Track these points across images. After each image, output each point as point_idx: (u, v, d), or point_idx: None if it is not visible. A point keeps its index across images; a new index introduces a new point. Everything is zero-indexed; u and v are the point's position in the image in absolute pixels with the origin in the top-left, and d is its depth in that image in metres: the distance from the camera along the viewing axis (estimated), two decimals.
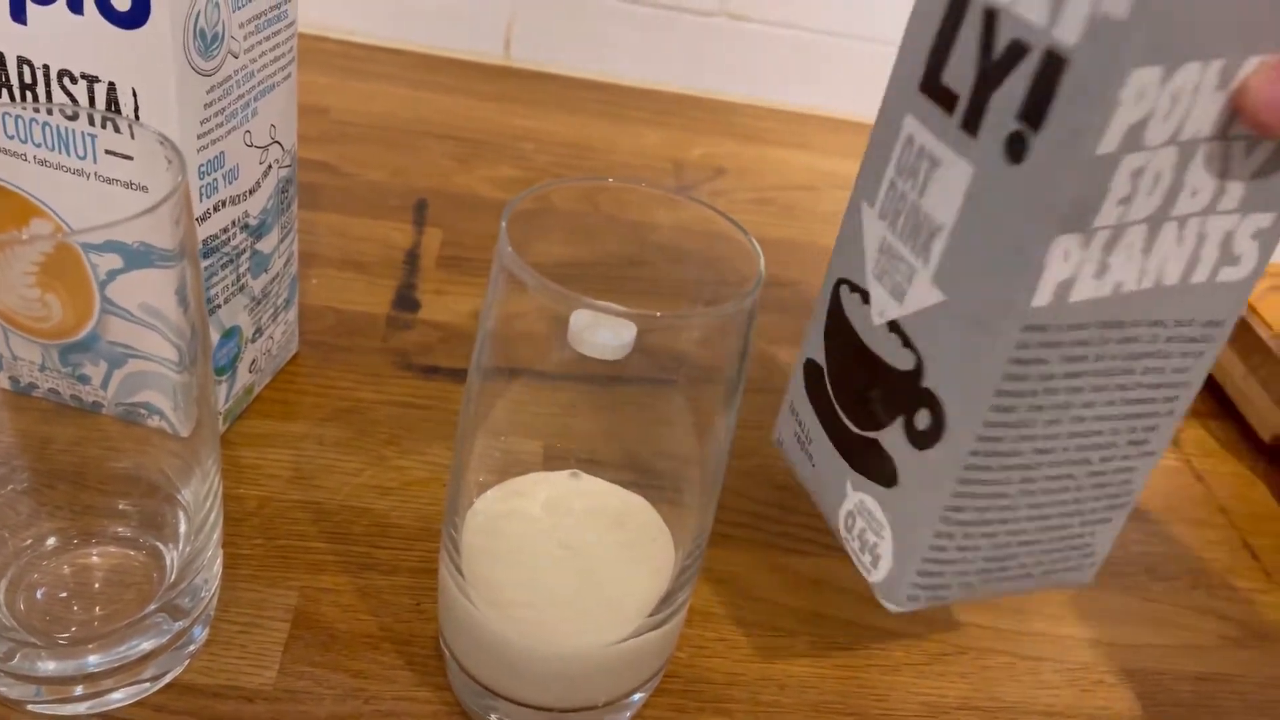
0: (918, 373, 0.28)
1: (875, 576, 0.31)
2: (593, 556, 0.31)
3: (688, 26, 0.71)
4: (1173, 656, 0.38)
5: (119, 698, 0.29)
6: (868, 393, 0.29)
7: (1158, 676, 0.37)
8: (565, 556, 0.30)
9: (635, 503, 0.31)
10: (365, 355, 0.44)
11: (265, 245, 0.37)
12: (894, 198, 0.27)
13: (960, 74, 0.25)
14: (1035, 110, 0.23)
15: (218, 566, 0.31)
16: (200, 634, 0.31)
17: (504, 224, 0.26)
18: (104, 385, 0.32)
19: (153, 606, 0.30)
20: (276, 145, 0.36)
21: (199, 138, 0.31)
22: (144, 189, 0.29)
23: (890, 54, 0.28)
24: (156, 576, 0.31)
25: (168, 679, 0.30)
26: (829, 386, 0.31)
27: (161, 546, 0.31)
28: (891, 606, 0.30)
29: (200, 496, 0.30)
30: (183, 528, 0.31)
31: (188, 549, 0.31)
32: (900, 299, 0.28)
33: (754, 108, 0.73)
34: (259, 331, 0.39)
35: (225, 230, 0.34)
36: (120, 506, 0.32)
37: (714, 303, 0.28)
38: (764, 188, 0.63)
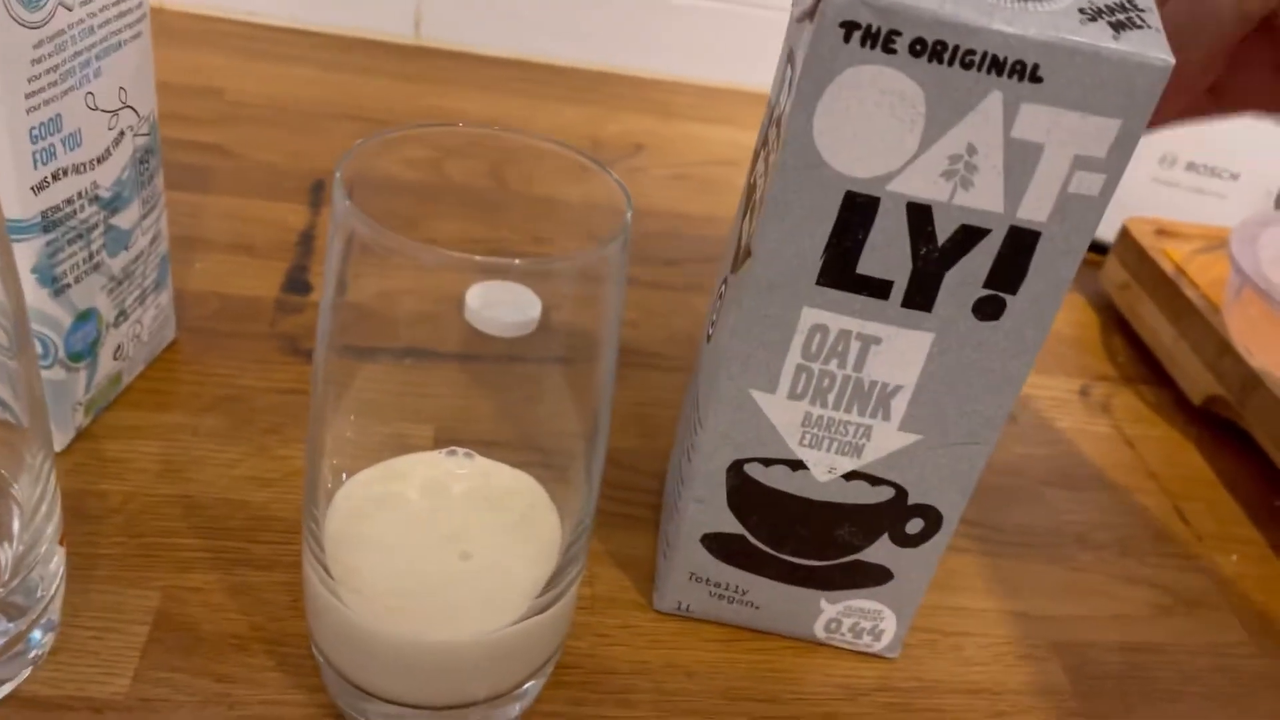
0: (900, 498, 0.30)
1: (879, 647, 0.33)
2: (471, 539, 0.28)
3: (605, 2, 0.69)
4: (1101, 627, 0.37)
5: None
6: (833, 532, 0.31)
7: (1085, 648, 0.36)
8: (440, 540, 0.28)
9: (518, 480, 0.29)
10: (249, 341, 0.41)
11: (123, 220, 0.34)
12: (809, 381, 0.28)
13: (888, 263, 0.26)
14: (1008, 276, 0.26)
15: (57, 563, 0.28)
16: (41, 639, 0.28)
17: (338, 175, 0.23)
18: None
19: None
20: (129, 110, 0.33)
21: (28, 97, 0.29)
22: None
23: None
24: None
25: (5, 690, 0.28)
26: (763, 546, 0.31)
27: None
28: (891, 655, 0.34)
29: (32, 489, 0.28)
30: (16, 523, 0.28)
31: (20, 546, 0.28)
32: (857, 454, 0.29)
33: (673, 83, 0.71)
34: (123, 315, 0.36)
35: (70, 201, 0.31)
36: None
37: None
38: (683, 164, 0.61)
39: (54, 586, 0.29)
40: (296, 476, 0.36)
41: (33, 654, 0.28)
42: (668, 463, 0.39)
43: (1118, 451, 0.45)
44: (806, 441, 0.29)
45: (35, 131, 0.29)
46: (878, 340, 0.27)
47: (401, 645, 0.26)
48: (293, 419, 0.38)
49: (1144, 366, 0.51)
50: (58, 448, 0.35)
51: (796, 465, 0.30)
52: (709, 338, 0.32)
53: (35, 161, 0.30)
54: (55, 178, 0.31)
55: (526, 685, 0.29)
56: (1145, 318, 0.51)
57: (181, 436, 0.36)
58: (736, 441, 0.30)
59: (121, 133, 0.33)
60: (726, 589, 0.33)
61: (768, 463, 0.30)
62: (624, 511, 0.37)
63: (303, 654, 0.30)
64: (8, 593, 0.27)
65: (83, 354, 0.34)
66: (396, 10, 0.68)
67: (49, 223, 0.31)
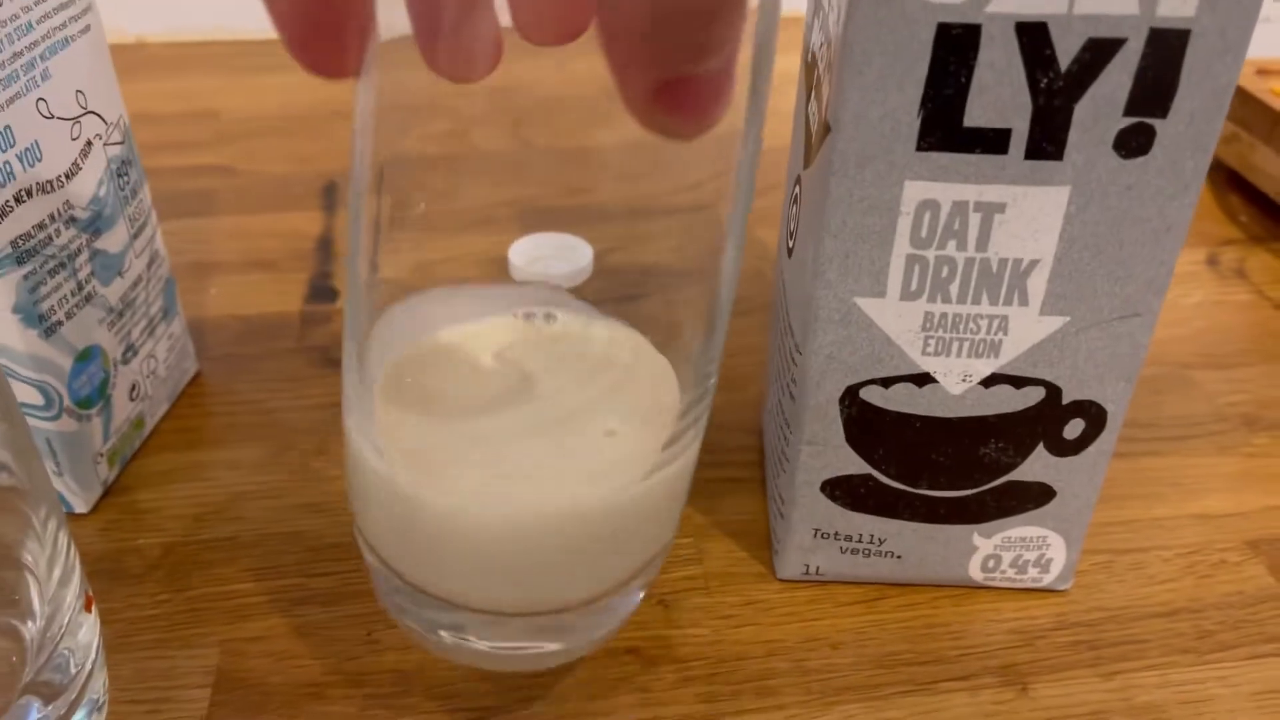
0: (1053, 398, 0.25)
1: (1048, 579, 0.29)
2: (560, 398, 0.23)
3: None
4: None
5: None
6: (977, 452, 0.26)
7: None
8: (519, 397, 0.23)
9: (616, 332, 0.24)
10: (278, 360, 0.37)
11: (110, 243, 0.30)
12: (925, 273, 0.23)
13: (1001, 107, 0.21)
14: (1154, 96, 0.21)
15: (87, 632, 0.25)
16: (94, 712, 0.24)
17: None
18: None
19: (20, 693, 0.23)
20: (93, 117, 0.29)
21: None
22: None
23: None
24: (17, 660, 0.24)
25: None
26: (895, 483, 0.27)
27: (18, 624, 0.25)
28: (1062, 587, 0.29)
29: (44, 554, 0.24)
30: (34, 595, 0.24)
31: (42, 620, 0.24)
32: (994, 353, 0.24)
33: None
34: (131, 350, 0.32)
35: (41, 226, 0.28)
36: None
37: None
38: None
39: (89, 660, 0.25)
40: None
41: None
42: (761, 413, 0.35)
43: (1265, 318, 0.39)
44: (931, 349, 0.24)
45: None
46: (1001, 207, 0.22)
47: (475, 528, 0.21)
48: (336, 436, 0.34)
49: (1272, 221, 0.45)
50: (84, 507, 0.31)
51: (923, 379, 0.25)
52: (789, 251, 0.27)
53: None
54: (18, 200, 0.27)
55: (629, 589, 0.24)
56: (1262, 166, 0.45)
57: (218, 473, 0.32)
58: (846, 364, 0.25)
59: (89, 143, 0.29)
60: (859, 541, 0.28)
61: (887, 382, 0.25)
62: (722, 475, 0.32)
63: (390, 691, 0.26)
64: (36, 673, 0.23)
65: (92, 399, 0.30)
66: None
67: (22, 253, 0.27)
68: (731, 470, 0.33)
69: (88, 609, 0.24)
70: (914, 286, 0.24)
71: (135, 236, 0.32)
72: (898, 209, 0.23)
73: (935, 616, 0.28)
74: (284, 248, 0.44)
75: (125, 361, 0.32)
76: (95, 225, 0.30)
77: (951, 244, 0.23)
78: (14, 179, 0.26)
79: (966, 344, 0.24)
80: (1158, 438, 0.34)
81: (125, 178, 0.31)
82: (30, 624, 0.25)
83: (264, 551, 0.30)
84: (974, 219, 0.22)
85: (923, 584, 0.29)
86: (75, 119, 0.29)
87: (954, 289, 0.23)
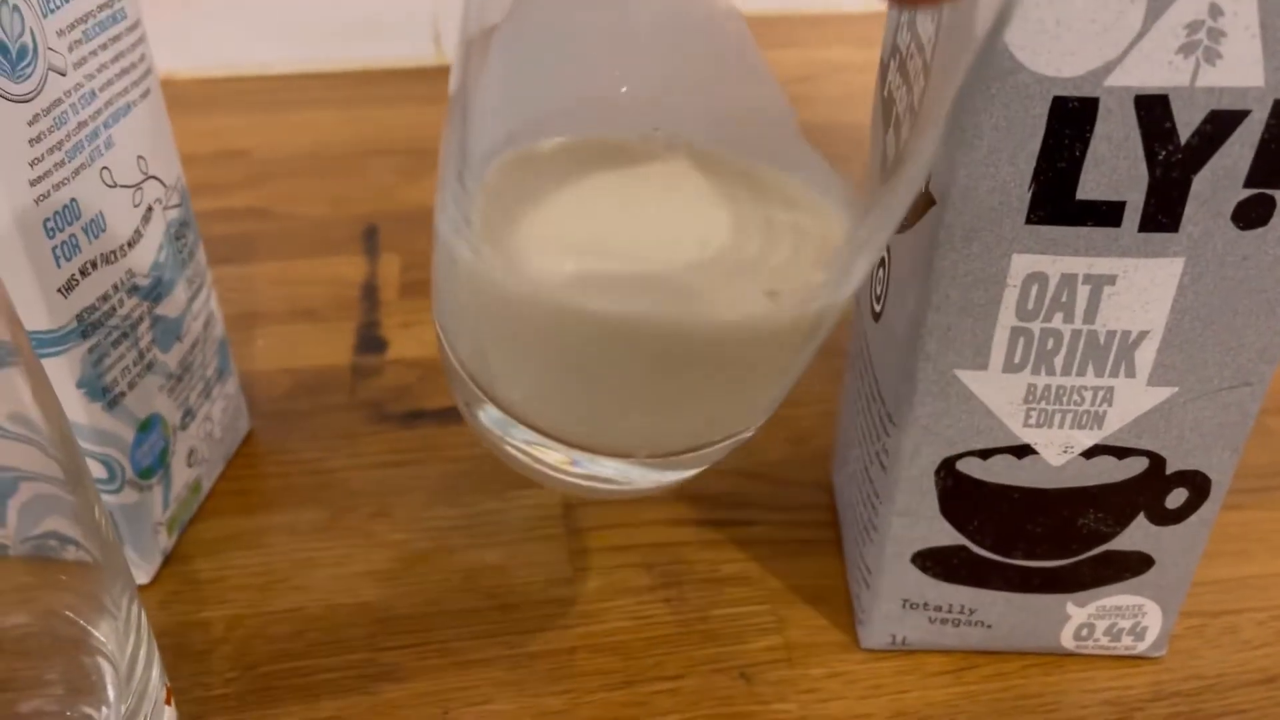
0: (1157, 468, 0.24)
1: (1142, 647, 0.28)
2: (700, 205, 0.20)
3: None
4: None
5: None
6: (1076, 523, 0.25)
7: None
8: (660, 199, 0.20)
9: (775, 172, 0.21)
10: (332, 415, 0.36)
11: (170, 308, 0.30)
12: (1029, 345, 0.23)
13: (1116, 179, 0.21)
14: (1277, 166, 0.20)
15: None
16: None
17: None
18: (1, 520, 0.24)
19: None
20: (154, 182, 0.29)
21: (33, 184, 0.24)
22: None
23: None
24: None
25: None
26: (990, 554, 0.26)
27: (93, 713, 0.24)
28: (1156, 654, 0.28)
29: (120, 638, 0.23)
30: (110, 682, 0.24)
31: (123, 708, 0.23)
32: (1098, 424, 0.24)
33: None
34: (189, 415, 0.31)
35: (105, 298, 0.27)
36: (42, 676, 0.25)
37: None
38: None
39: None
40: (418, 564, 0.31)
41: None
42: (829, 469, 0.34)
43: None
44: (1033, 420, 0.24)
45: (50, 224, 0.25)
46: (1112, 279, 0.22)
47: (591, 325, 0.18)
48: (397, 497, 0.33)
49: None
50: (145, 578, 0.30)
51: (1023, 451, 0.24)
52: (876, 315, 0.26)
53: (57, 259, 0.25)
54: (84, 273, 0.26)
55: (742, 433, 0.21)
56: None
57: (278, 540, 0.32)
58: (944, 436, 0.24)
59: (149, 208, 0.29)
60: (949, 611, 0.27)
61: (986, 454, 0.24)
62: (793, 536, 0.32)
63: None
64: None
65: (153, 468, 0.30)
66: (413, 32, 0.63)
67: (86, 326, 0.26)
68: (804, 530, 0.32)
69: (168, 702, 0.24)
70: (1017, 359, 0.23)
71: (192, 299, 0.31)
72: (1004, 282, 0.22)
73: (1026, 687, 0.27)
74: (328, 294, 0.43)
75: (184, 427, 0.31)
76: (156, 292, 0.29)
77: (1058, 316, 0.22)
78: (80, 251, 0.26)
79: (1070, 415, 0.23)
80: (1238, 489, 0.33)
81: (183, 240, 0.30)
82: (106, 711, 0.24)
83: (331, 624, 0.29)
84: (1083, 291, 0.22)
85: (1012, 652, 0.28)
86: (137, 185, 0.28)
87: (1059, 361, 0.23)
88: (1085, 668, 0.28)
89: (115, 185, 0.27)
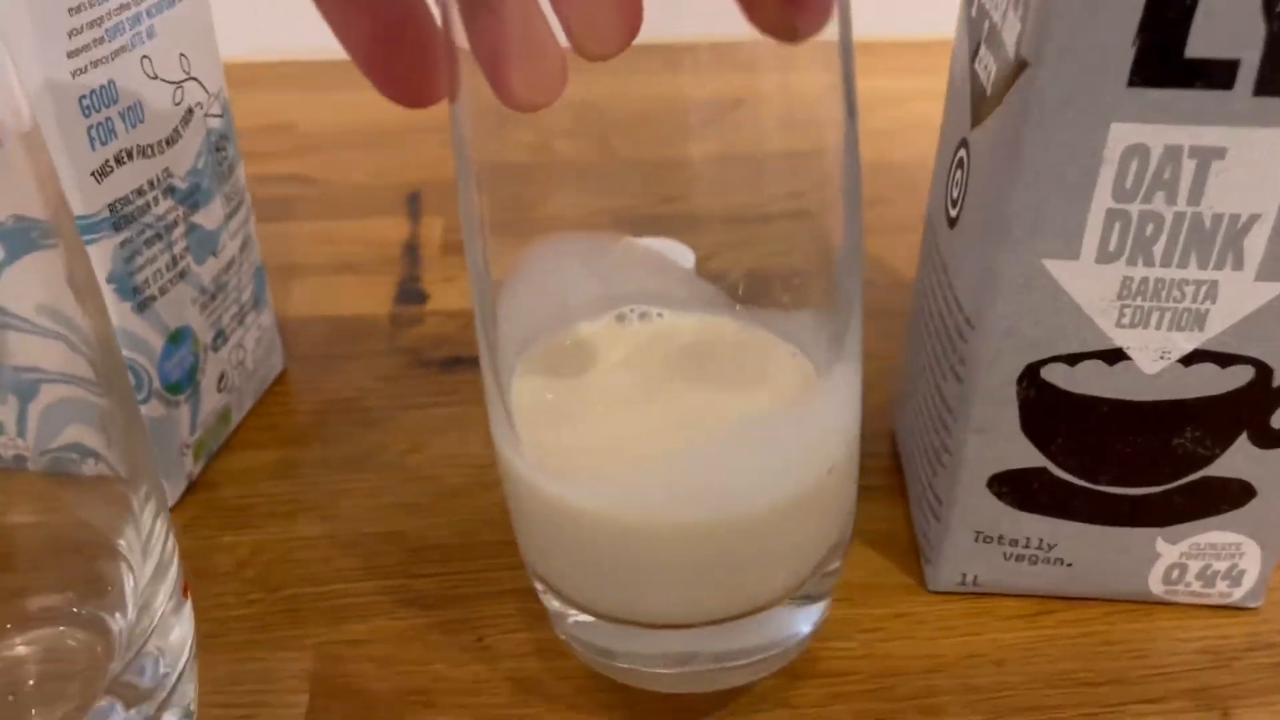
0: (1263, 379, 0.22)
1: (1237, 595, 0.26)
2: (705, 402, 0.22)
3: None
4: None
5: None
6: (1170, 442, 0.23)
7: None
8: (663, 405, 0.22)
9: (734, 326, 0.23)
10: (369, 360, 0.35)
11: (206, 219, 0.29)
12: (1126, 230, 0.21)
13: (1230, 34, 0.19)
14: None
15: (181, 632, 0.22)
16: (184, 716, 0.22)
17: None
18: (20, 429, 0.23)
19: (102, 693, 0.21)
20: (195, 84, 0.28)
21: (71, 56, 0.23)
22: None
23: None
24: (102, 652, 0.22)
25: None
26: (1072, 478, 0.24)
27: (106, 617, 0.22)
28: (1252, 605, 0.26)
29: (140, 542, 0.21)
30: (129, 586, 0.22)
31: (134, 614, 0.22)
32: (1198, 325, 0.22)
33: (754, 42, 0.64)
34: (221, 336, 0.30)
35: (140, 192, 0.26)
36: (54, 577, 0.24)
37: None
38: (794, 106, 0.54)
39: (181, 662, 0.22)
40: (452, 497, 0.29)
41: None
42: (889, 420, 0.32)
43: None
44: (1127, 320, 0.22)
45: (86, 102, 0.24)
46: (1220, 153, 0.20)
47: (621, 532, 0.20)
48: (434, 435, 0.32)
49: None
50: (169, 502, 0.29)
51: (1114, 356, 0.22)
52: (951, 221, 0.25)
53: (92, 140, 0.24)
54: (119, 161, 0.25)
55: (805, 589, 0.22)
56: None
57: (309, 471, 0.30)
58: (1028, 338, 0.22)
59: (190, 110, 0.28)
60: (1026, 546, 0.25)
61: (1073, 360, 0.22)
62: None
63: (508, 700, 0.23)
64: (122, 670, 0.21)
65: (182, 384, 0.28)
66: None
67: (119, 219, 0.25)
68: (864, 478, 0.30)
69: (185, 594, 0.22)
70: (1112, 246, 0.21)
71: (230, 217, 0.30)
72: (1100, 156, 0.20)
73: (1110, 633, 0.25)
74: (370, 253, 0.42)
75: (215, 348, 0.30)
76: (193, 199, 0.28)
77: (1159, 196, 0.20)
78: (115, 137, 0.25)
79: (1168, 314, 0.22)
80: None
81: (223, 153, 0.29)
82: (119, 617, 0.22)
83: (362, 552, 0.27)
84: (1188, 167, 0.20)
85: (1093, 598, 0.26)
86: (178, 83, 0.27)
87: (1158, 250, 0.21)
88: (1176, 616, 0.25)
89: (155, 77, 0.26)
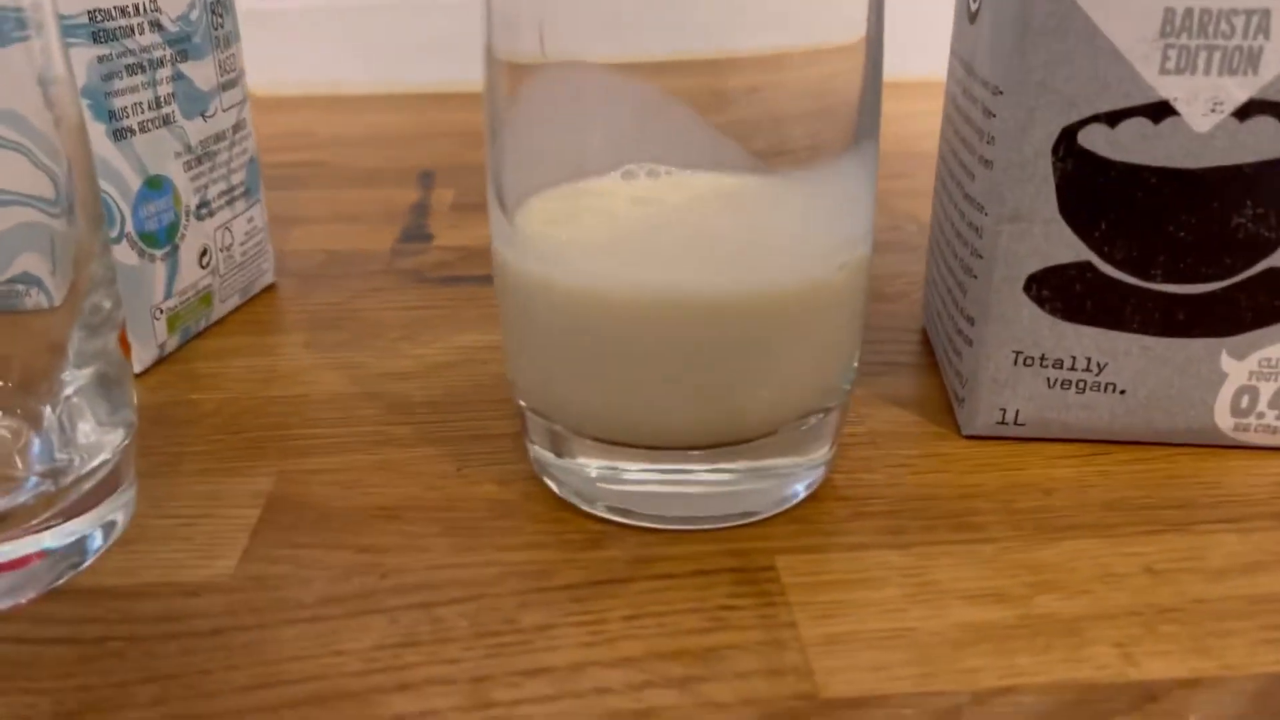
0: None
1: None
2: (717, 201, 0.20)
3: None
4: None
5: None
6: (1229, 221, 0.21)
7: None
8: (669, 211, 0.20)
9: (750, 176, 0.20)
10: (364, 278, 0.33)
11: (197, 76, 0.28)
12: None
13: None
14: None
15: (120, 424, 0.20)
16: (118, 522, 0.19)
17: None
18: None
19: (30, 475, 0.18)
20: None
21: None
22: None
23: None
24: (31, 435, 0.20)
25: (60, 583, 0.18)
26: (1122, 274, 0.21)
27: (39, 407, 0.20)
28: None
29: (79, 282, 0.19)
30: (66, 374, 0.20)
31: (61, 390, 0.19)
32: (1251, 68, 0.19)
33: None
34: (206, 207, 0.28)
35: (124, 12, 0.25)
36: None
37: None
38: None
39: (119, 444, 0.20)
40: (443, 369, 0.27)
41: (98, 543, 0.19)
42: (921, 319, 0.30)
43: None
44: (1171, 64, 0.20)
45: None
46: None
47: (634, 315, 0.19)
48: (428, 328, 0.29)
49: None
50: (137, 367, 0.27)
51: (1160, 111, 0.20)
52: (972, 16, 0.23)
53: None
54: None
55: (812, 420, 0.20)
56: None
57: (292, 350, 0.28)
58: (1063, 94, 0.20)
59: None
60: (1073, 368, 0.22)
61: (1114, 119, 0.20)
62: (883, 359, 0.27)
63: (484, 515, 0.21)
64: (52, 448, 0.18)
65: (159, 238, 0.27)
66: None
67: (98, 30, 0.24)
68: (895, 355, 0.27)
69: (123, 346, 0.20)
70: None
71: (223, 87, 0.29)
72: None
73: (1174, 469, 0.22)
74: (377, 211, 0.40)
75: (200, 218, 0.28)
76: (183, 46, 0.27)
77: None
78: None
79: (1217, 55, 0.20)
80: None
81: (220, 18, 0.29)
82: (49, 401, 0.20)
83: (338, 407, 0.25)
84: None
85: (1153, 440, 0.23)
86: None
87: None
88: (1248, 458, 0.22)
89: None
